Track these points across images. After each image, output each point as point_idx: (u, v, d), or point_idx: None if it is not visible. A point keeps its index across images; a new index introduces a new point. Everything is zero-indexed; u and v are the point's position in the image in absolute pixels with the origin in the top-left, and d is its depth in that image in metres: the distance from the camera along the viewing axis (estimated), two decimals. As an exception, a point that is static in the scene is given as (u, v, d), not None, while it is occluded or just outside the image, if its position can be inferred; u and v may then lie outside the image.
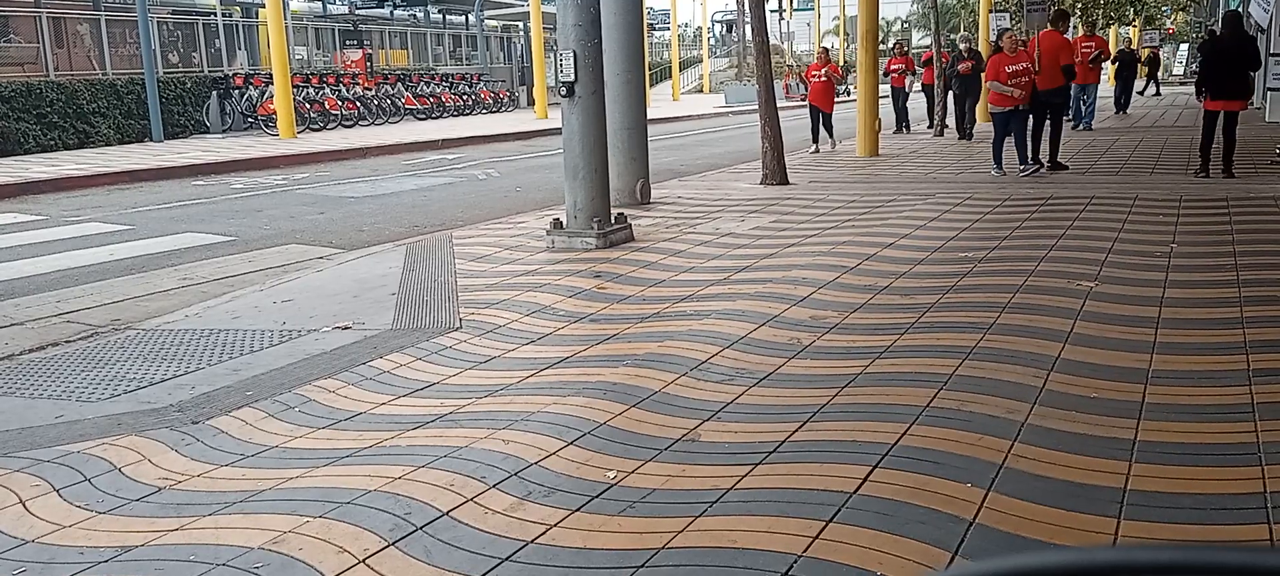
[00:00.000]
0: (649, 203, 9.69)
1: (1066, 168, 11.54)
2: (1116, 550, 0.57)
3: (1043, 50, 11.42)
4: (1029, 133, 11.22)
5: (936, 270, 6.20)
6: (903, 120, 18.86)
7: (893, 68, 18.75)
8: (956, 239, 7.24)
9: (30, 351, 5.13)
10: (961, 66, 16.13)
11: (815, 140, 15.27)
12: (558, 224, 7.60)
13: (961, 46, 16.75)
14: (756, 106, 11.43)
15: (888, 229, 7.77)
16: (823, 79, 15.14)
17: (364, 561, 2.66)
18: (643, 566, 2.59)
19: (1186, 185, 9.73)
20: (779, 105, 11.69)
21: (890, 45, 20.21)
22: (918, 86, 19.92)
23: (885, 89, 17.19)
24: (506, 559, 2.66)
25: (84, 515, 3.07)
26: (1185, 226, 7.41)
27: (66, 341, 5.32)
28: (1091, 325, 4.78)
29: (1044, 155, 11.60)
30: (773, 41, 16.78)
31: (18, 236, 9.22)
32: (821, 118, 15.24)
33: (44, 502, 3.17)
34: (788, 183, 11.11)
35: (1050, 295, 5.40)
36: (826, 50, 16.47)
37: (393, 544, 2.76)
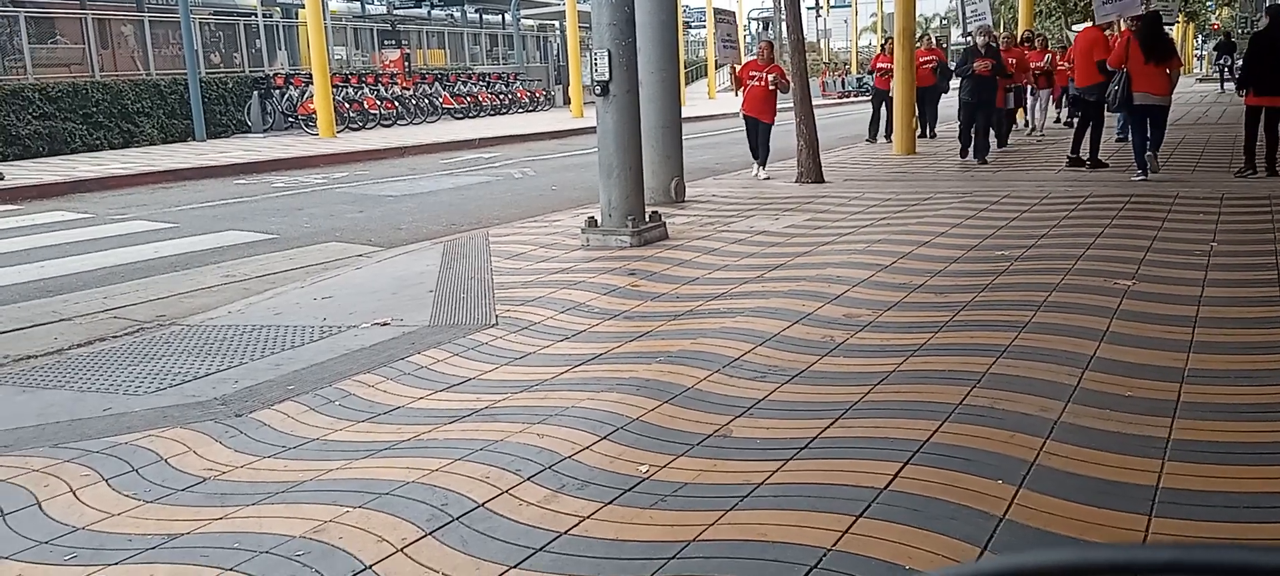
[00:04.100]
0: (683, 201, 9.72)
1: (1107, 166, 11.43)
2: (1116, 548, 0.57)
3: (1077, 48, 11.33)
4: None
5: (972, 268, 6.19)
6: (876, 128, 16.41)
7: (880, 66, 16.07)
8: (993, 237, 7.20)
9: (79, 346, 5.26)
10: (978, 65, 12.65)
11: (756, 159, 11.76)
12: (593, 222, 7.65)
13: (978, 40, 13.04)
14: (791, 104, 11.42)
15: (923, 227, 7.75)
16: (764, 84, 11.30)
17: (402, 550, 2.73)
18: (674, 558, 2.63)
19: (1229, 183, 9.60)
20: (816, 102, 11.62)
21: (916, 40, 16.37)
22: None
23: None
24: (540, 549, 2.71)
25: (132, 504, 3.16)
26: (1226, 225, 7.32)
27: (113, 336, 5.45)
28: (1128, 324, 4.75)
29: (1084, 153, 11.51)
30: (809, 39, 15.83)
31: (66, 234, 9.43)
32: (760, 132, 11.63)
33: (93, 491, 3.27)
34: (823, 181, 11.10)
35: (1087, 293, 5.37)
36: (770, 45, 12.09)
37: (430, 534, 2.82)
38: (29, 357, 5.06)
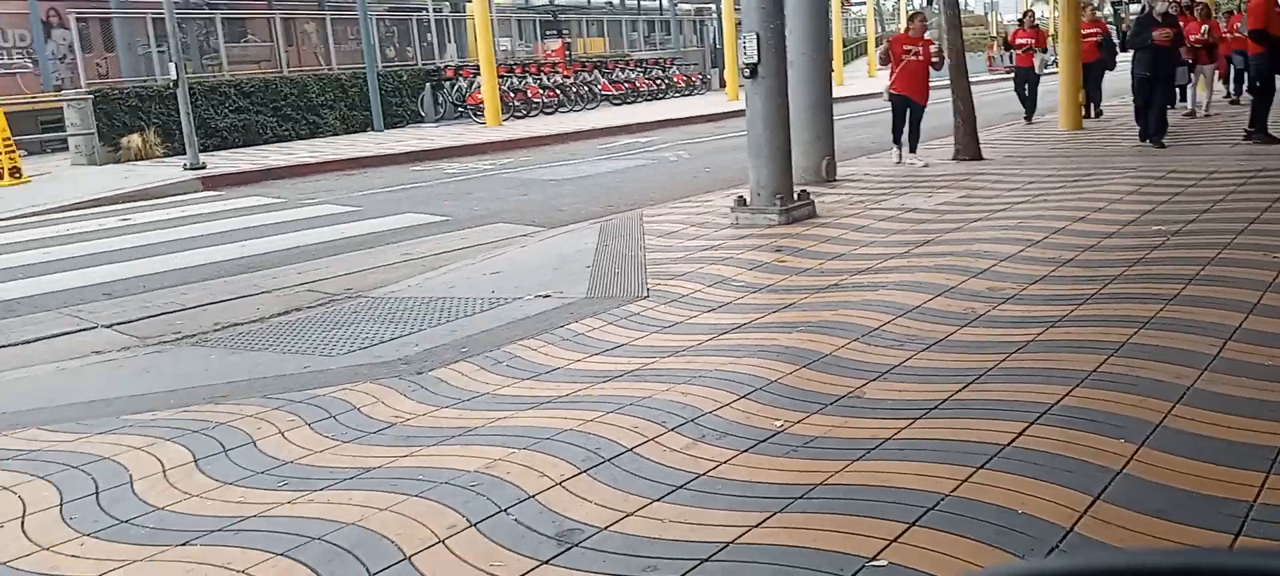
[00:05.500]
0: (834, 180, 9.84)
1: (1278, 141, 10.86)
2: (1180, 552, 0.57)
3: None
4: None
5: (1125, 243, 6.13)
6: (1031, 108, 15.34)
7: (1018, 43, 15.34)
8: (1151, 213, 7.07)
9: (278, 315, 5.90)
10: (1157, 35, 11.07)
11: (897, 143, 11.16)
12: (742, 201, 7.90)
13: (1156, 7, 11.52)
14: (947, 81, 11.34)
15: (1079, 203, 7.65)
16: (918, 58, 10.83)
17: (560, 484, 3.10)
18: (801, 498, 2.90)
19: None
20: (981, 77, 11.39)
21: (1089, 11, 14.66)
22: (1052, 66, 15.53)
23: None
24: (680, 487, 3.03)
25: (331, 443, 3.65)
26: None
27: (308, 307, 6.08)
28: (1282, 297, 4.68)
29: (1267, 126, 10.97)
30: (977, 12, 15.24)
31: (263, 216, 10.36)
32: (910, 112, 11.02)
33: (298, 433, 3.78)
34: (981, 158, 10.98)
35: (1242, 267, 5.28)
36: (923, 17, 11.50)
37: (584, 472, 3.18)
38: (235, 325, 5.73)
